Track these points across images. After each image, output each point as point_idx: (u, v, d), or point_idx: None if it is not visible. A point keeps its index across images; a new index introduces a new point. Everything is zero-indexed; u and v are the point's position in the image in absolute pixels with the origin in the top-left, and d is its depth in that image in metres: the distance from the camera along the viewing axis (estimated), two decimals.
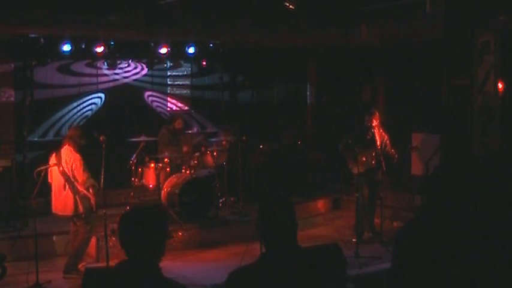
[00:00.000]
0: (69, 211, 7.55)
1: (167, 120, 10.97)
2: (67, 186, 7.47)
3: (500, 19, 7.57)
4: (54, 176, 7.59)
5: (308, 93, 13.27)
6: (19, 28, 8.83)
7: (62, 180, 7.50)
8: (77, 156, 7.51)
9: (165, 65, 11.86)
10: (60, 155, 7.53)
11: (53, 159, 7.58)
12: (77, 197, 7.49)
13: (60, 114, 10.71)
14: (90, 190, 7.55)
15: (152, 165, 9.57)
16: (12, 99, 9.98)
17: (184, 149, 10.39)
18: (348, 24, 10.53)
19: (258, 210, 3.10)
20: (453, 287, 3.03)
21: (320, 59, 12.70)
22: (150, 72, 11.66)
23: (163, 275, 2.91)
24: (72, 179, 7.47)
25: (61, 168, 7.47)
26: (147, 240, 2.87)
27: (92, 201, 7.58)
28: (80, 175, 7.48)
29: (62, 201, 7.56)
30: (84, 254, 7.91)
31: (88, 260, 8.02)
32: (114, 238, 8.47)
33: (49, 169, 7.59)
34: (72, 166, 7.47)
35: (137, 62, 11.37)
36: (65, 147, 7.58)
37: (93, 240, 8.28)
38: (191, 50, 10.79)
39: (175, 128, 10.26)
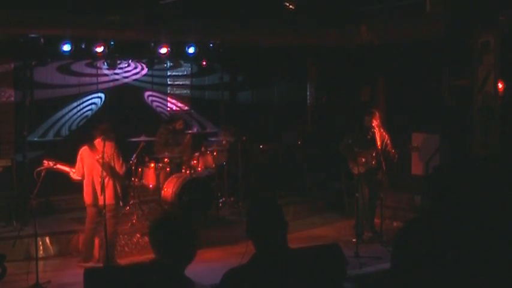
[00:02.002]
0: (111, 200, 7.76)
1: (167, 120, 10.97)
2: (108, 177, 7.70)
3: (500, 19, 7.57)
4: (91, 168, 7.71)
5: (308, 93, 13.26)
6: (19, 28, 8.83)
7: (102, 172, 7.59)
8: (113, 145, 7.78)
9: (165, 65, 11.85)
10: (97, 148, 7.69)
11: (86, 151, 7.73)
12: (117, 185, 7.79)
13: (60, 114, 10.71)
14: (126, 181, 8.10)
15: (152, 165, 9.57)
16: (12, 99, 9.98)
17: (184, 149, 10.38)
18: (348, 24, 10.53)
19: (247, 211, 3.11)
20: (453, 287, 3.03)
21: (320, 59, 12.69)
22: (150, 72, 11.65)
23: (187, 278, 2.94)
24: (114, 169, 7.75)
25: (103, 160, 7.58)
26: (175, 245, 2.92)
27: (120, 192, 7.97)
28: (119, 165, 7.78)
29: (102, 191, 7.64)
30: (116, 245, 8.05)
31: (93, 261, 8.03)
32: None
33: (78, 163, 7.75)
34: (113, 156, 7.71)
35: (137, 62, 11.36)
36: (98, 140, 7.74)
37: (96, 241, 8.28)
38: (191, 50, 10.79)
39: (175, 128, 10.25)
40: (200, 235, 3.11)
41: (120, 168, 7.80)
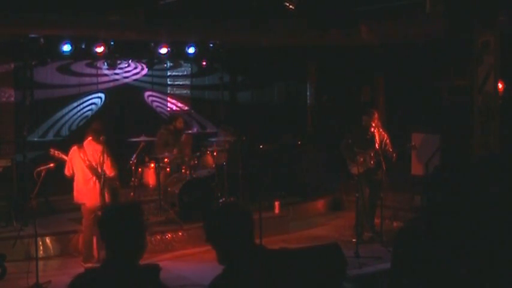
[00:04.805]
0: (96, 202, 7.70)
1: (167, 120, 10.97)
2: (94, 178, 7.68)
3: (500, 19, 7.57)
4: (78, 168, 7.76)
5: (308, 93, 13.26)
6: (19, 28, 8.83)
7: (88, 173, 7.68)
8: (100, 148, 7.70)
9: (165, 65, 11.85)
10: (84, 149, 7.74)
11: (74, 152, 7.76)
12: (104, 188, 7.67)
13: (60, 114, 10.71)
14: (117, 182, 7.93)
15: (152, 165, 9.57)
16: (12, 99, 9.99)
17: (184, 148, 10.38)
18: (348, 24, 10.53)
19: (204, 219, 3.07)
20: (454, 287, 3.03)
21: (320, 59, 12.69)
22: (150, 72, 11.66)
23: (150, 272, 2.92)
24: (100, 171, 7.65)
25: (87, 162, 7.67)
26: (126, 237, 2.88)
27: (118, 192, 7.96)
28: (109, 167, 7.71)
29: (88, 192, 7.74)
30: None
31: (93, 261, 8.04)
32: None
33: (68, 162, 7.80)
34: (99, 159, 7.65)
35: (137, 62, 11.37)
36: (87, 140, 7.79)
37: (94, 240, 8.28)
38: (191, 50, 10.79)
39: (176, 127, 10.23)
40: (148, 226, 3.04)
41: (108, 169, 7.73)
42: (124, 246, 2.88)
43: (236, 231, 2.94)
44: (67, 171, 7.86)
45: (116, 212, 3.02)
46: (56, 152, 7.85)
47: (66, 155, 7.88)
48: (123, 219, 2.92)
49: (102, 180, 7.64)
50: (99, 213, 7.73)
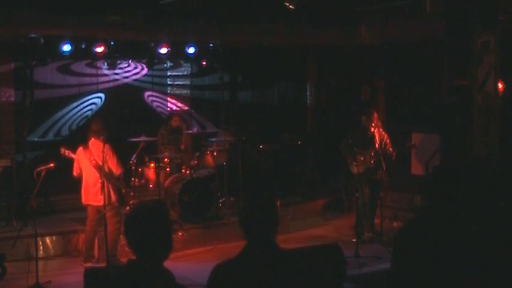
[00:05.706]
0: (102, 201, 7.72)
1: (165, 120, 10.98)
2: (102, 178, 7.71)
3: (500, 19, 7.56)
4: (85, 168, 7.83)
5: (308, 93, 13.26)
6: (19, 28, 8.83)
7: (96, 173, 7.73)
8: (108, 146, 7.72)
9: (165, 65, 11.85)
10: (90, 149, 7.80)
11: (80, 153, 7.83)
12: (110, 187, 7.72)
13: (60, 114, 10.71)
14: (123, 182, 8.00)
15: (152, 165, 9.57)
16: (12, 99, 9.98)
17: (184, 148, 10.39)
18: (348, 24, 10.53)
19: (240, 204, 3.10)
20: (452, 287, 3.03)
21: (320, 59, 12.69)
22: (150, 72, 11.65)
23: (170, 273, 2.92)
24: (107, 170, 7.68)
25: (93, 162, 7.73)
26: (153, 236, 2.87)
27: (123, 191, 7.99)
28: (115, 165, 7.76)
29: (95, 192, 7.77)
30: (118, 243, 7.98)
31: (93, 261, 8.05)
32: None
33: (75, 162, 7.89)
34: (106, 157, 7.67)
35: (137, 62, 11.37)
36: (91, 140, 7.84)
37: (95, 240, 8.29)
38: (191, 50, 10.78)
39: (172, 126, 10.25)
40: (173, 227, 2.99)
41: (115, 168, 7.79)
42: (151, 246, 2.86)
43: (258, 224, 2.97)
44: (75, 172, 7.94)
45: (143, 211, 3.00)
46: (67, 151, 7.90)
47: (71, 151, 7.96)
48: (150, 218, 2.90)
49: (107, 179, 7.69)
50: (106, 213, 7.77)
